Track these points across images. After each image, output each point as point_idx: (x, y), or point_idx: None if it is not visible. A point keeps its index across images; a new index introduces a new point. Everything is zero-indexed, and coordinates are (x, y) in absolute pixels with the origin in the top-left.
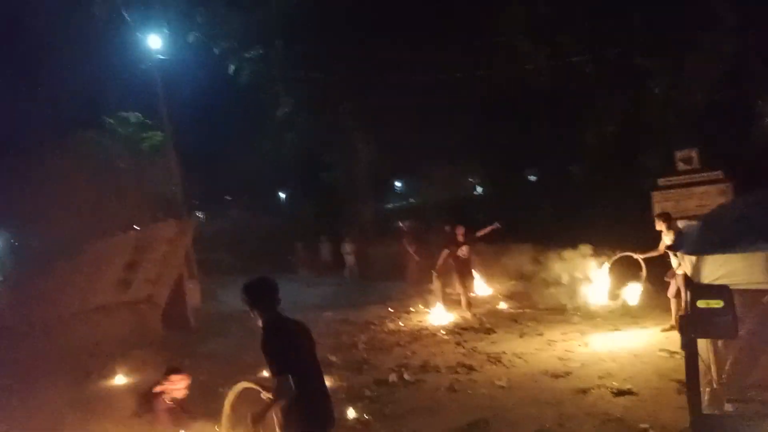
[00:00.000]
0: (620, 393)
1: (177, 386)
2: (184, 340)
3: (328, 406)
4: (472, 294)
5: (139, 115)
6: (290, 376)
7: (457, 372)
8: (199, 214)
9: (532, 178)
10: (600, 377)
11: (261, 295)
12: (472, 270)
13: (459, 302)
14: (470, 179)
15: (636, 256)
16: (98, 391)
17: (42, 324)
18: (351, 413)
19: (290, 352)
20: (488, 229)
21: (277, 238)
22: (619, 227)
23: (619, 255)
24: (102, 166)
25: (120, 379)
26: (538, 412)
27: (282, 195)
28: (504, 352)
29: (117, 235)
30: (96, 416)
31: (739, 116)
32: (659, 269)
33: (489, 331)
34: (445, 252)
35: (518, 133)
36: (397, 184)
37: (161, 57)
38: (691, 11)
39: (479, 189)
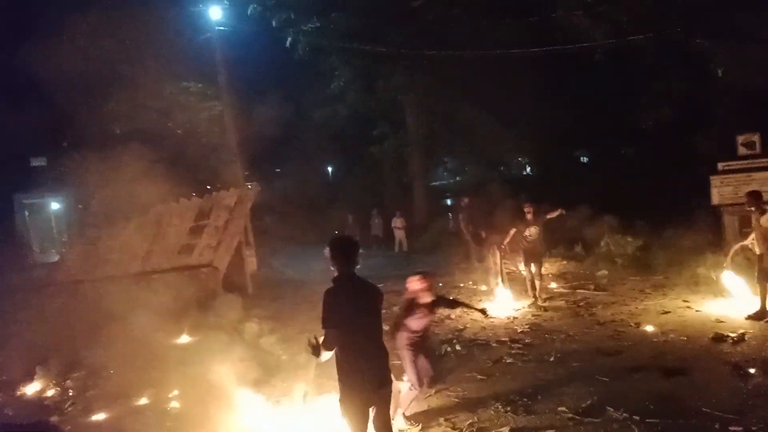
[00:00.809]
0: (671, 372)
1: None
2: (242, 304)
3: (374, 366)
4: (537, 279)
5: (200, 85)
6: (331, 331)
7: (509, 346)
8: (253, 184)
9: (584, 159)
10: (652, 356)
11: (340, 252)
12: (540, 252)
13: (517, 280)
14: (519, 159)
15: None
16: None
17: (107, 282)
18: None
19: (336, 310)
20: (557, 212)
21: (327, 211)
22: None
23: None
24: (164, 133)
25: (185, 338)
26: (586, 387)
27: (330, 168)
28: (557, 330)
29: (180, 202)
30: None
31: None
32: None
33: (543, 309)
34: (513, 231)
35: (571, 113)
36: (446, 160)
37: (221, 28)
38: None
39: (528, 169)
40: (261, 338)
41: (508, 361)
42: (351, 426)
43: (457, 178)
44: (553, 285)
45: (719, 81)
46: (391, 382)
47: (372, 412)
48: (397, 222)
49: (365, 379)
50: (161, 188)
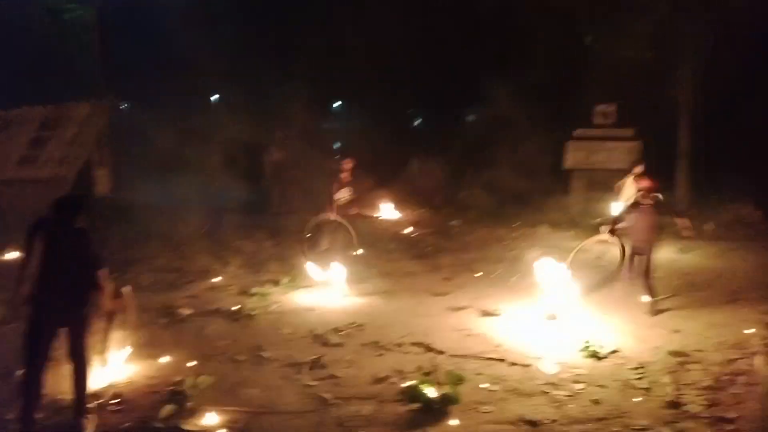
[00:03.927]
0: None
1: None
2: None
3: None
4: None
5: None
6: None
7: None
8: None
9: (471, 118)
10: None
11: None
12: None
13: None
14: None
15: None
16: None
17: None
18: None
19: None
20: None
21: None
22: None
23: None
24: (20, 33)
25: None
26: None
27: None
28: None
29: (22, 108)
30: None
31: (659, 79)
32: None
33: None
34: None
35: (455, 73)
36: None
37: None
38: None
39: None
40: None
41: None
42: None
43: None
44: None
45: (589, 50)
46: None
47: None
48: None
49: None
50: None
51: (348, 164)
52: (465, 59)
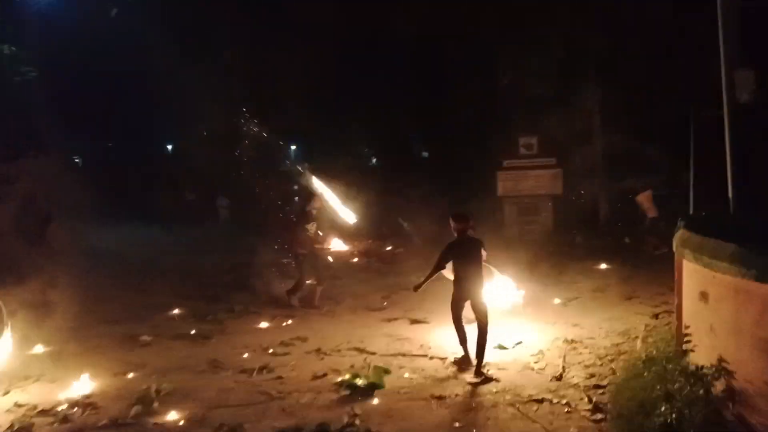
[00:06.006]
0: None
1: None
2: (44, 272)
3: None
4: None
5: (12, 48)
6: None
7: None
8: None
9: (425, 155)
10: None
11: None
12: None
13: None
14: (366, 149)
15: None
16: None
17: None
18: None
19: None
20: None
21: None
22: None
23: None
24: None
25: None
26: None
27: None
28: None
29: None
30: None
31: (569, 109)
32: None
33: None
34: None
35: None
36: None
37: None
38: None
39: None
40: None
41: None
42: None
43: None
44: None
45: (505, 87)
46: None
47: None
48: (223, 201)
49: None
50: None
51: (317, 202)
52: (408, 104)
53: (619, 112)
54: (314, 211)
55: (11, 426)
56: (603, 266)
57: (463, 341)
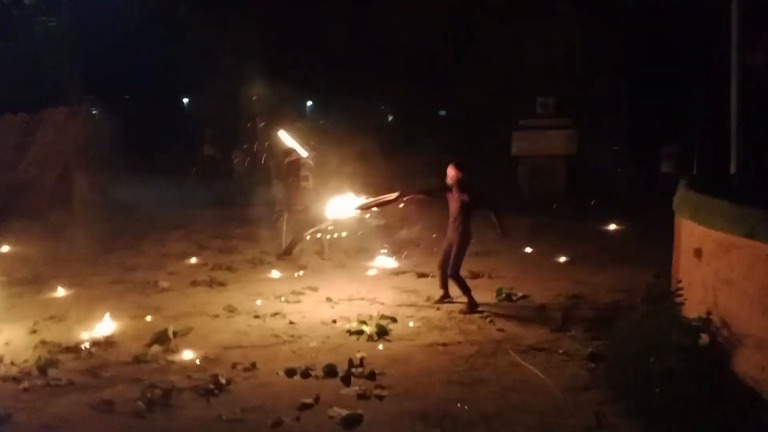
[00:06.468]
0: None
1: None
2: (65, 221)
3: None
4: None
5: None
6: None
7: None
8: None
9: (443, 113)
10: None
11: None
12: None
13: None
14: (383, 107)
15: None
16: None
17: None
18: None
19: None
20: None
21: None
22: None
23: None
24: None
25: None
26: None
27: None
28: None
29: (4, 116)
30: None
31: (588, 71)
32: None
33: None
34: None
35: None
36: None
37: None
38: None
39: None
40: None
41: None
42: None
43: (321, 122)
44: None
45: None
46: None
47: None
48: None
49: None
50: None
51: (293, 155)
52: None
53: (644, 73)
54: (297, 165)
55: (38, 361)
56: (612, 227)
57: (467, 289)
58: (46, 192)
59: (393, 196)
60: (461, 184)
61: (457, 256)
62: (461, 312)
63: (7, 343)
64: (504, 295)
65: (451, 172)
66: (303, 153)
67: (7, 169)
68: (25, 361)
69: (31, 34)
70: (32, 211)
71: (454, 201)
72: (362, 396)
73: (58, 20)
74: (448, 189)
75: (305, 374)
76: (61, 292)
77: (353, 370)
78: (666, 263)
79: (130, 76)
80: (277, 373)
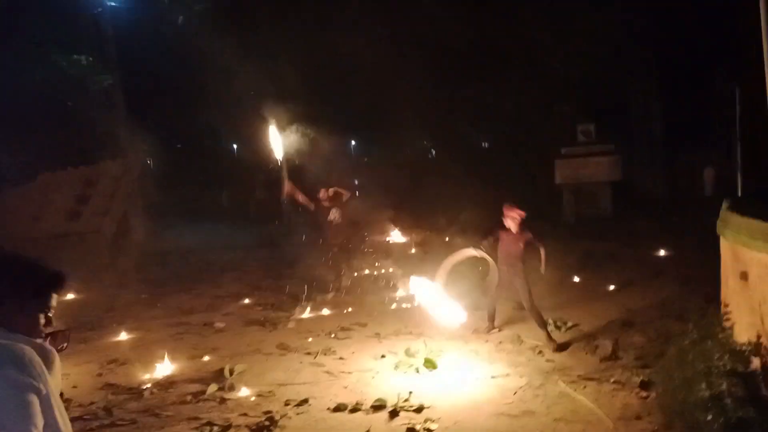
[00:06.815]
0: None
1: None
2: (125, 267)
3: None
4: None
5: (90, 58)
6: None
7: None
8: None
9: (485, 144)
10: None
11: None
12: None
13: None
14: (425, 142)
15: None
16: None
17: None
18: None
19: None
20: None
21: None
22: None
23: None
24: (53, 104)
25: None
26: None
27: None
28: None
29: (67, 170)
30: None
31: (619, 95)
32: None
33: None
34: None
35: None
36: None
37: (112, 3)
38: None
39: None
40: None
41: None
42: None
43: (365, 159)
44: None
45: (561, 77)
46: None
47: None
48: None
49: None
50: (50, 157)
51: (322, 193)
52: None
53: (677, 92)
54: (325, 203)
55: (104, 402)
56: (661, 252)
57: (544, 324)
58: (107, 240)
59: (471, 252)
60: (524, 224)
61: (530, 292)
62: (553, 350)
63: (74, 387)
64: (553, 325)
65: (513, 213)
66: (279, 156)
67: (71, 218)
68: (92, 402)
69: (86, 92)
70: (95, 258)
71: (514, 242)
72: (411, 430)
73: (111, 77)
74: (504, 230)
75: (354, 409)
76: (123, 336)
77: (401, 404)
78: (715, 287)
79: (180, 125)
80: (328, 409)
